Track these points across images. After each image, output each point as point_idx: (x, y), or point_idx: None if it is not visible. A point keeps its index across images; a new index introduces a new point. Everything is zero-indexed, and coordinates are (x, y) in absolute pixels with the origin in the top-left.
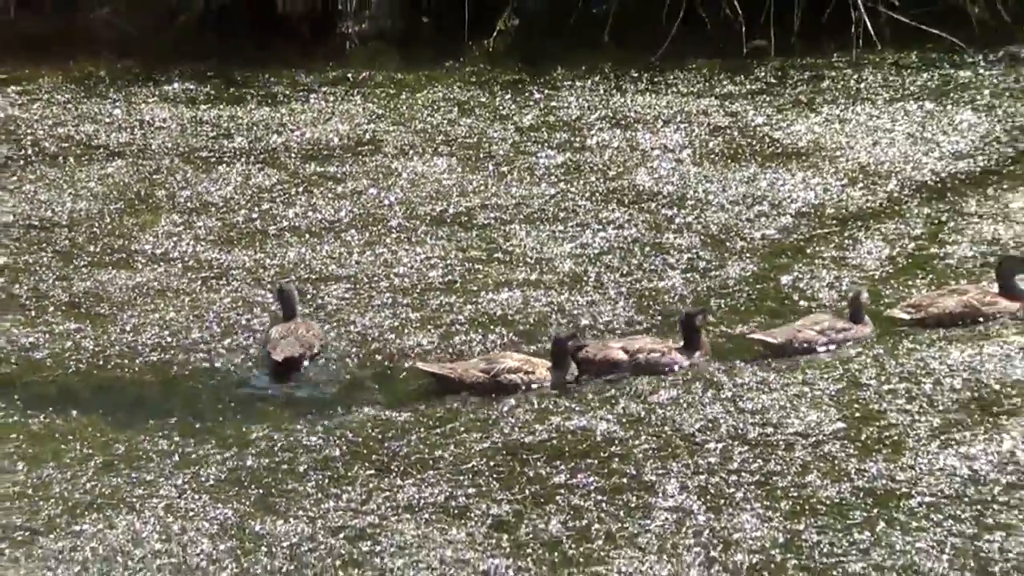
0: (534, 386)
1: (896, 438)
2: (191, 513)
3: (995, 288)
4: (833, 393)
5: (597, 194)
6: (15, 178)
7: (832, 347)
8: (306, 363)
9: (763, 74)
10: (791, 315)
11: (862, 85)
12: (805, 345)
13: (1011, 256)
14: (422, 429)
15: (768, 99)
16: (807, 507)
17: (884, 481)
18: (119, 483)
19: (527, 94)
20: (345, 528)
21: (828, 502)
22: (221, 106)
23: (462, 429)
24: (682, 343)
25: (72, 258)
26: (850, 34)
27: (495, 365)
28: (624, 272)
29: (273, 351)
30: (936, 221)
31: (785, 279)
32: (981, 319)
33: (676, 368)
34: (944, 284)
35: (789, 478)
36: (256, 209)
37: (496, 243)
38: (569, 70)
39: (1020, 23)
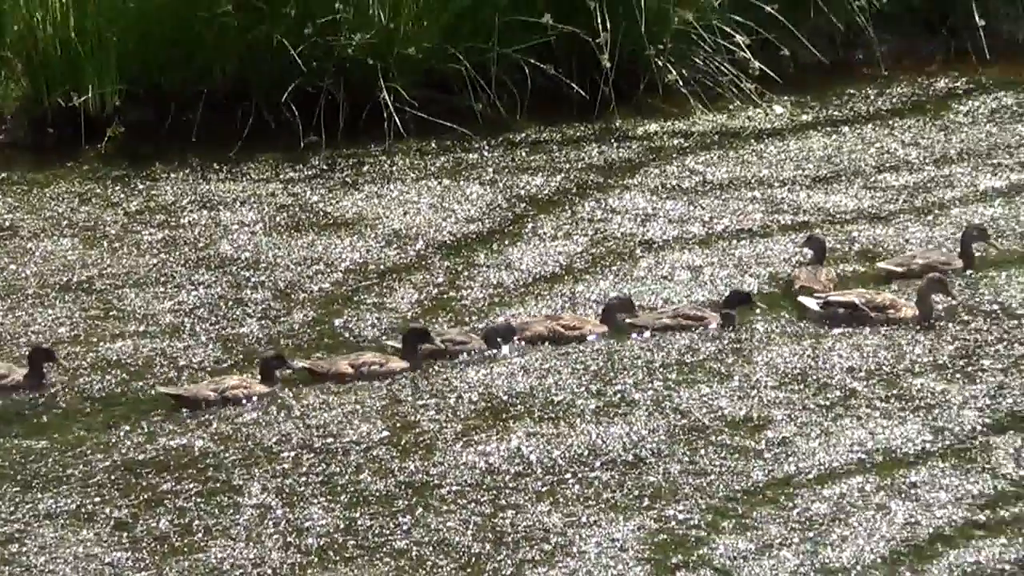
0: (254, 398)
1: (429, 441)
2: None
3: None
4: (379, 408)
5: (190, 261)
6: None
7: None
8: None
9: (317, 162)
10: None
11: (394, 168)
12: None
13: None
14: (56, 452)
15: (321, 181)
16: (362, 499)
17: (420, 475)
18: None
19: (132, 186)
20: None
21: (378, 494)
22: None
23: (88, 451)
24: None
25: None
26: (383, 129)
27: (221, 384)
28: (212, 322)
29: None
30: (454, 271)
31: (338, 321)
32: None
33: (395, 375)
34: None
35: (347, 477)
36: None
37: (112, 304)
38: (165, 165)
39: (512, 115)
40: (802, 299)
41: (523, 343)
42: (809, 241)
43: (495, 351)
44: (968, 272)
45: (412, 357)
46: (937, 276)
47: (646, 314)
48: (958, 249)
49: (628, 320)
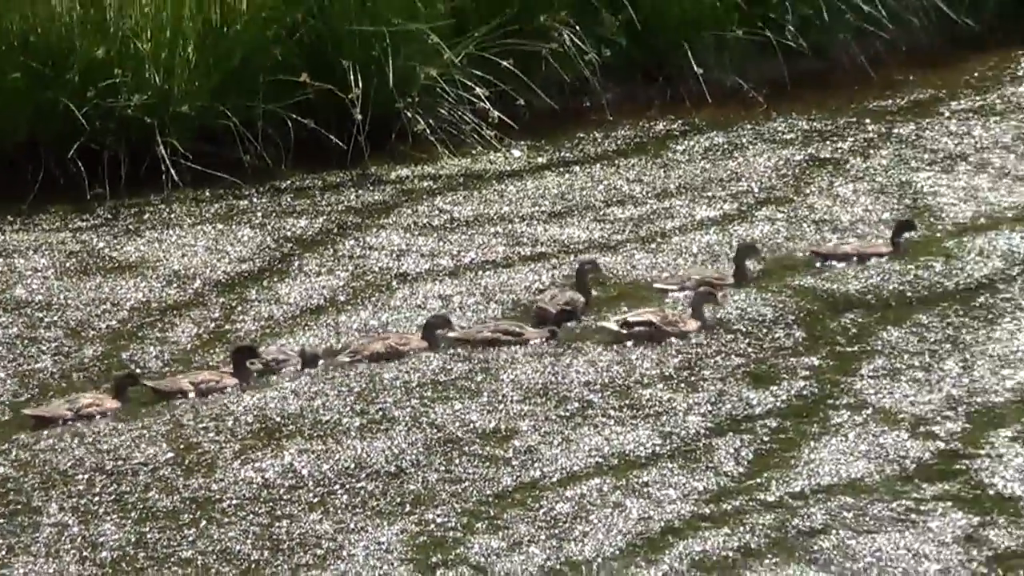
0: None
1: (210, 460)
2: None
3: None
4: (164, 432)
5: None
6: None
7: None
8: None
9: (102, 212)
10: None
11: (172, 215)
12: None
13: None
14: None
15: (107, 229)
16: (150, 515)
17: (203, 492)
18: None
19: None
20: None
21: (165, 510)
22: None
23: None
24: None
25: None
26: (162, 180)
27: (75, 404)
28: (10, 359)
29: None
30: (229, 307)
31: (125, 355)
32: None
33: (230, 389)
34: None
35: (137, 495)
36: None
37: None
38: None
39: (277, 164)
40: (602, 323)
41: (363, 360)
42: (585, 266)
43: (311, 369)
44: (740, 285)
45: (242, 373)
46: (706, 289)
47: (466, 329)
48: (732, 267)
49: (451, 335)
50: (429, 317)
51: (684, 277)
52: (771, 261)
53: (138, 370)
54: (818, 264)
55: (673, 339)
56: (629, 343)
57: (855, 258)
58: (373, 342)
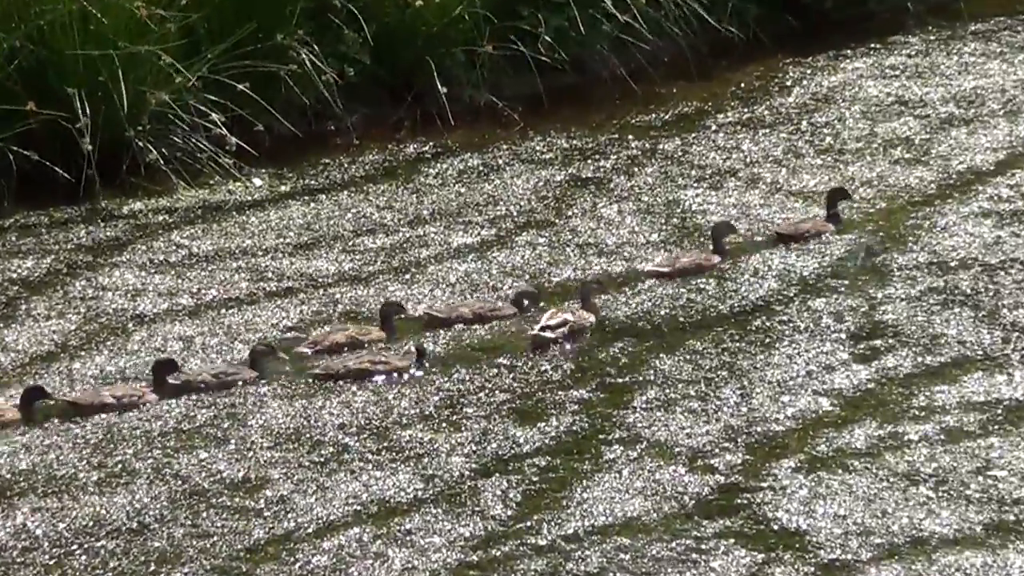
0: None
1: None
2: None
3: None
4: None
5: None
6: None
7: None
8: None
9: None
10: None
11: None
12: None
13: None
14: None
15: None
16: None
17: None
18: None
19: None
20: None
21: None
22: None
23: None
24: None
25: None
26: None
27: None
28: None
29: None
30: None
31: None
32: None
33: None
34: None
35: None
36: None
37: None
38: None
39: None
40: (531, 333)
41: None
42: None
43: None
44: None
45: (161, 389)
46: (595, 278)
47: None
48: (711, 246)
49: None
50: (383, 305)
51: (674, 258)
52: (539, 289)
53: None
54: (781, 246)
55: (480, 365)
56: (381, 380)
57: (813, 235)
58: (334, 332)
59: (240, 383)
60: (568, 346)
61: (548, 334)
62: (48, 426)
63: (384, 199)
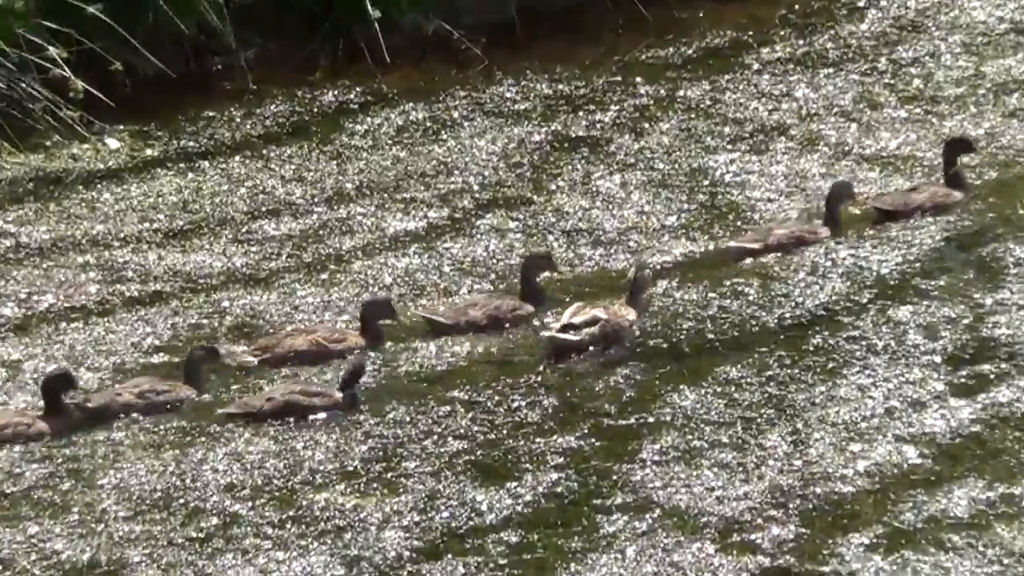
0: None
1: None
2: None
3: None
4: None
5: None
6: None
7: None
8: None
9: None
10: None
11: None
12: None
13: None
14: None
15: None
16: None
17: None
18: None
19: None
20: None
21: None
22: None
23: None
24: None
25: None
26: None
27: None
28: None
29: None
30: None
31: None
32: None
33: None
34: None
35: None
36: None
37: None
38: None
39: None
40: (544, 334)
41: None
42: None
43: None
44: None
45: (57, 416)
46: (640, 263)
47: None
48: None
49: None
50: (366, 303)
51: (766, 231)
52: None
53: None
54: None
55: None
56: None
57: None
58: (292, 336)
59: (173, 404)
60: (598, 355)
61: (571, 336)
62: None
63: (292, 168)
